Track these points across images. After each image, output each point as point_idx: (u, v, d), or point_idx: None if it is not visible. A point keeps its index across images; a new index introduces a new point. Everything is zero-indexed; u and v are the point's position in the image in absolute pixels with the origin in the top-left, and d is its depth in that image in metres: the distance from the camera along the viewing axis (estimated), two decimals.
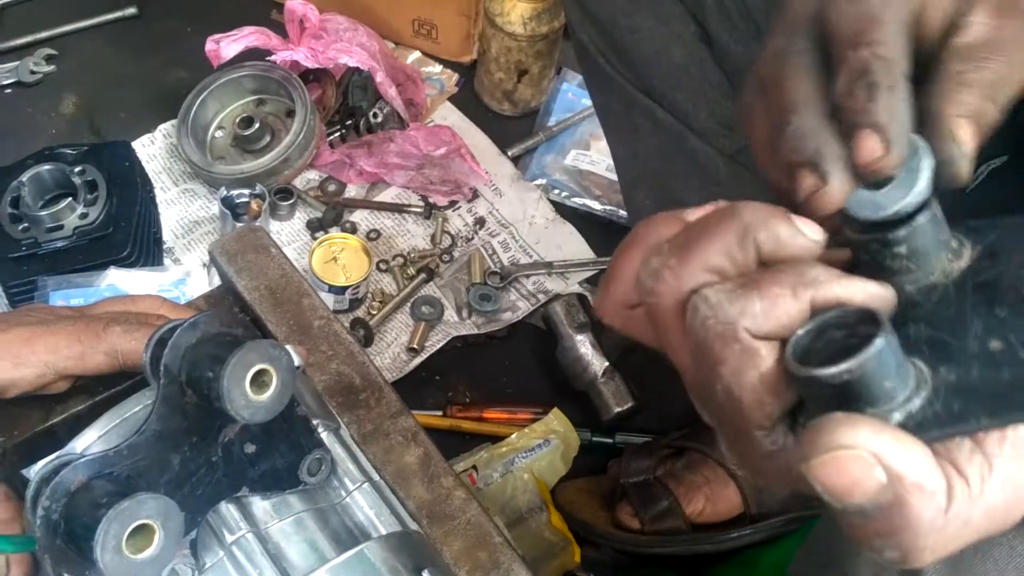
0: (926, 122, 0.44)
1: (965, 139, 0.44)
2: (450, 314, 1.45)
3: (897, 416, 0.39)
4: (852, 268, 0.44)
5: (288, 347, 0.65)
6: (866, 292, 0.40)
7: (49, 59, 1.70)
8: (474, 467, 1.24)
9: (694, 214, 0.44)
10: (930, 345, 0.41)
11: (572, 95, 1.72)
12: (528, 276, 1.50)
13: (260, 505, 0.63)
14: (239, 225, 1.42)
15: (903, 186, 0.43)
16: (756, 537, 1.11)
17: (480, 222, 1.55)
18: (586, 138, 1.67)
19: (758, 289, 0.40)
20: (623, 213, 1.46)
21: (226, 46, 1.48)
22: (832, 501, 0.37)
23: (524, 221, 1.56)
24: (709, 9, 1.08)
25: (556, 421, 1.32)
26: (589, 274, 1.52)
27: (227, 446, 0.61)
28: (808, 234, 0.41)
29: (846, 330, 0.39)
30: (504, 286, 1.48)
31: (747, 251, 0.41)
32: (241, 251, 0.82)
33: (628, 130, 1.25)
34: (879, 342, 0.37)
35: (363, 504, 0.67)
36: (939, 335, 0.42)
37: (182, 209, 1.52)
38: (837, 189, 0.43)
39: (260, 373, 0.56)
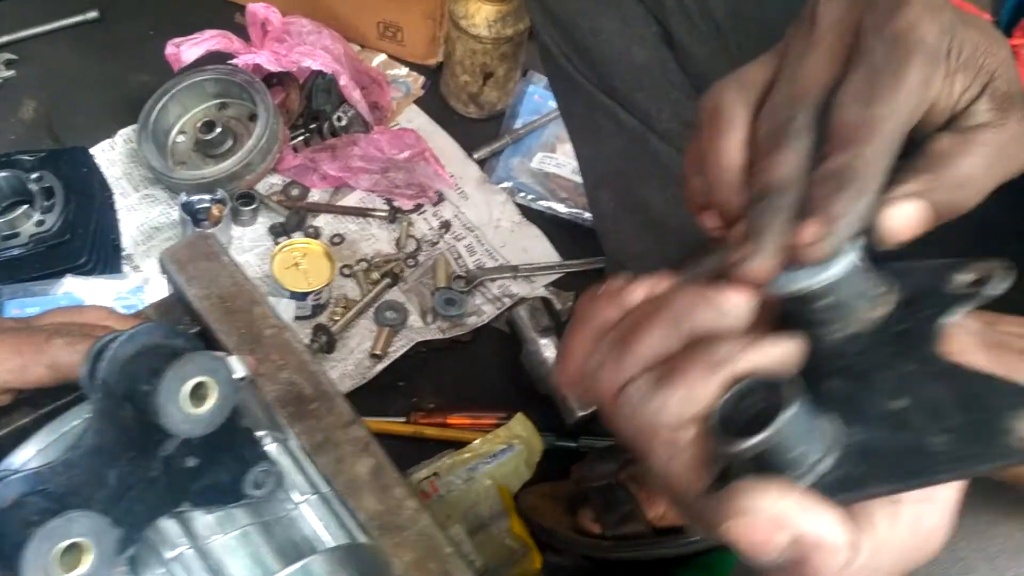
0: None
1: (895, 219, 0.46)
2: (414, 319, 1.44)
3: (808, 479, 0.42)
4: (783, 317, 0.46)
5: (234, 357, 0.64)
6: (775, 357, 0.43)
7: (9, 64, 1.67)
8: (436, 474, 1.23)
9: (634, 294, 0.48)
10: (846, 401, 0.43)
11: (538, 97, 1.72)
12: (494, 280, 1.49)
13: (202, 520, 0.62)
14: (199, 231, 1.40)
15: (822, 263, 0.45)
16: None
17: (446, 226, 1.54)
18: (552, 141, 1.66)
19: (675, 380, 0.43)
20: (588, 215, 1.45)
21: (187, 50, 1.46)
22: (747, 557, 0.41)
23: (490, 224, 1.56)
24: (670, 10, 1.08)
25: (520, 426, 1.31)
26: (555, 277, 1.51)
27: (167, 460, 0.60)
28: (735, 311, 0.45)
29: (764, 392, 0.42)
30: (469, 290, 1.47)
31: (677, 340, 0.45)
32: (192, 259, 0.81)
33: (591, 132, 1.25)
34: (784, 417, 0.40)
35: (311, 517, 0.66)
36: (854, 390, 0.44)
37: (142, 215, 1.50)
38: (767, 267, 0.45)
39: (199, 386, 0.55)
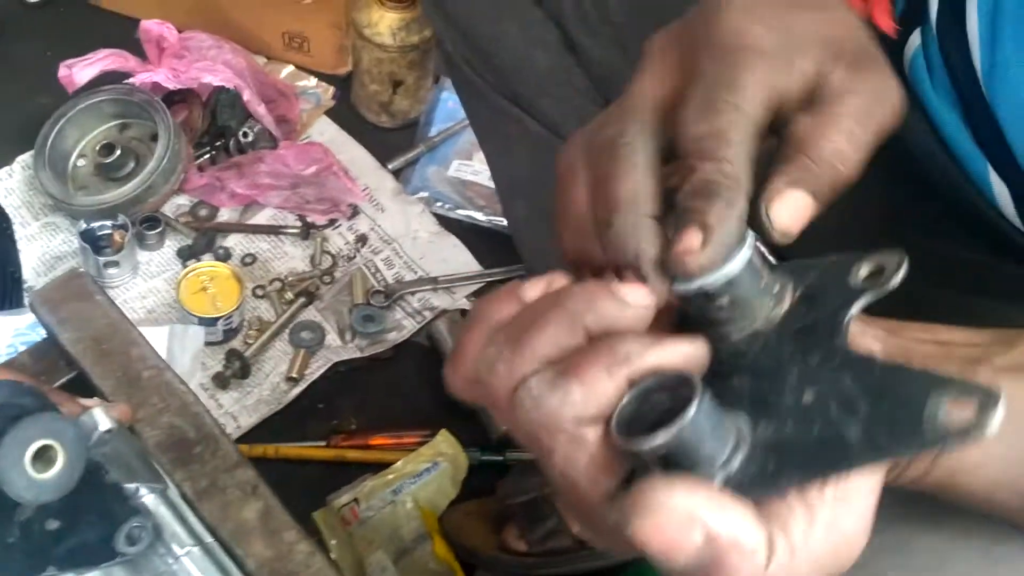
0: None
1: (778, 215, 0.45)
2: (332, 338, 1.40)
3: (718, 478, 0.40)
4: (683, 318, 0.46)
5: (98, 409, 0.60)
6: (679, 355, 0.42)
7: None
8: (356, 500, 1.20)
9: (531, 291, 0.46)
10: (752, 398, 0.42)
11: (452, 104, 1.68)
12: (414, 293, 1.46)
13: None
14: (102, 259, 1.35)
15: None
16: None
17: (362, 239, 1.51)
18: (468, 147, 1.63)
19: (575, 375, 0.41)
20: (505, 222, 1.43)
21: (79, 71, 1.41)
22: (657, 562, 0.39)
23: (408, 236, 1.52)
24: (569, 15, 1.06)
25: (444, 443, 1.28)
26: (476, 287, 1.49)
27: (25, 525, 0.56)
28: (635, 303, 0.43)
29: (669, 391, 0.40)
30: (388, 305, 1.43)
31: (576, 336, 0.43)
32: (64, 300, 0.77)
33: (500, 139, 1.23)
34: (689, 413, 0.39)
35: (193, 570, 0.63)
36: (760, 387, 0.43)
37: (43, 245, 1.44)
38: (657, 290, 0.44)
39: (44, 449, 0.51)
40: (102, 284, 1.26)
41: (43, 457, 0.51)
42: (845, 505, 0.41)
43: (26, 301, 1.37)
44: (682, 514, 0.38)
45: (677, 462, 0.40)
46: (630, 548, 0.40)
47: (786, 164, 0.47)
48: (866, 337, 0.46)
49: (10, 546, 0.56)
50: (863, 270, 0.44)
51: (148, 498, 0.63)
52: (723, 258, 0.43)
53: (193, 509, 0.67)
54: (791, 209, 0.46)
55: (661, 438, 0.39)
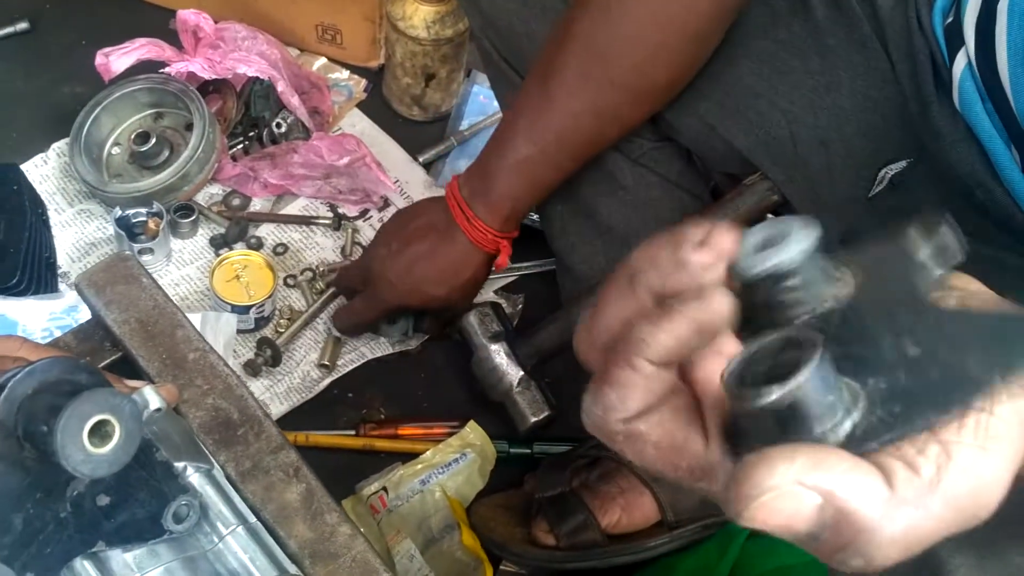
0: None
1: None
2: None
3: (846, 427, 0.39)
4: (746, 316, 0.43)
5: (148, 388, 0.61)
6: (696, 313, 0.41)
7: None
8: (385, 488, 1.20)
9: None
10: (850, 361, 0.40)
11: (484, 98, 1.69)
12: None
13: (120, 559, 0.59)
14: (137, 246, 1.36)
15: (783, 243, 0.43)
16: (673, 545, 1.09)
17: None
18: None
19: (605, 381, 0.42)
20: (535, 217, 1.43)
21: (116, 60, 1.42)
22: (782, 537, 0.38)
23: None
24: None
25: (472, 434, 1.29)
26: (505, 281, 1.49)
27: (77, 500, 0.57)
28: (696, 260, 0.42)
29: (779, 349, 0.39)
30: None
31: (641, 297, 0.43)
32: (110, 282, 0.78)
33: None
34: (812, 364, 0.37)
35: (237, 549, 0.64)
36: (854, 351, 0.41)
37: (78, 231, 1.45)
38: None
39: (101, 424, 0.52)
40: None
41: (99, 432, 0.52)
42: (984, 448, 0.39)
43: (61, 285, 1.38)
44: (789, 489, 0.37)
45: (800, 417, 0.38)
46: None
47: None
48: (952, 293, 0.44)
49: (62, 520, 0.57)
50: (924, 251, 0.43)
51: (194, 477, 0.64)
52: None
53: (237, 490, 0.68)
54: None
55: (784, 391, 0.37)
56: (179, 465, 0.63)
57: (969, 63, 0.82)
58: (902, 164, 0.94)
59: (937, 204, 0.92)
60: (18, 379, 0.52)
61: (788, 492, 0.37)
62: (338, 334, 1.37)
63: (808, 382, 0.37)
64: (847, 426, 0.39)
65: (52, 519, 0.56)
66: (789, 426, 0.38)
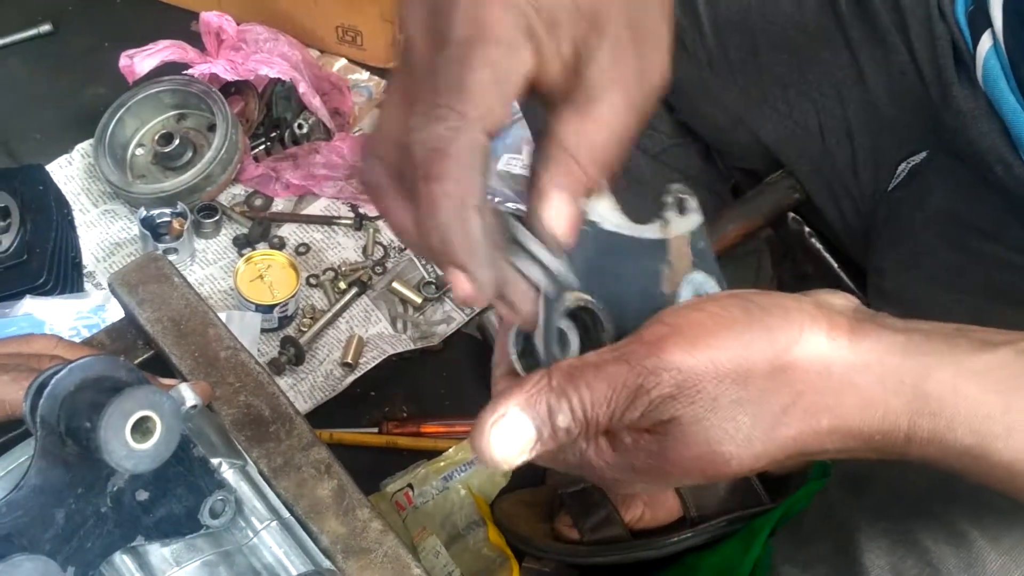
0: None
1: (553, 222, 0.46)
2: (384, 327, 1.42)
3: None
4: None
5: (184, 386, 0.62)
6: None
7: None
8: (410, 485, 1.21)
9: None
10: None
11: None
12: None
13: (159, 553, 0.60)
14: (161, 246, 1.38)
15: None
16: (697, 540, 1.09)
17: None
18: (518, 142, 1.64)
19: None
20: None
21: (140, 61, 1.43)
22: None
23: None
24: None
25: None
26: None
27: (117, 495, 0.58)
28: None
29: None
30: (439, 296, 1.45)
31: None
32: (142, 281, 0.79)
33: None
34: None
35: (272, 544, 0.65)
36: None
37: (102, 231, 1.47)
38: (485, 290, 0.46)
39: (143, 420, 0.53)
40: None
41: (141, 428, 0.52)
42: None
43: (87, 284, 1.40)
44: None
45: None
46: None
47: (550, 163, 0.46)
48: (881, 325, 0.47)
49: (103, 515, 0.58)
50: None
51: (229, 473, 0.65)
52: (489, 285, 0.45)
53: (270, 486, 0.68)
54: (561, 215, 0.46)
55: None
56: (215, 461, 0.63)
57: (995, 43, 0.83)
58: (921, 156, 0.95)
59: (951, 193, 0.92)
60: (61, 376, 0.53)
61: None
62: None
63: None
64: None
65: (93, 514, 0.57)
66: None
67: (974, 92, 0.87)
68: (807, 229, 1.12)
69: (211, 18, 1.48)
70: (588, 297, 0.49)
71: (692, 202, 0.54)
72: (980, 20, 0.85)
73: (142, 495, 0.59)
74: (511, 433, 0.46)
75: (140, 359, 0.77)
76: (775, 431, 0.46)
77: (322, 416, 1.33)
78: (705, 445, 0.45)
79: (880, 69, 0.96)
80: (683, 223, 0.54)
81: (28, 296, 1.27)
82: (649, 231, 0.52)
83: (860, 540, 0.67)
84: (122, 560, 0.58)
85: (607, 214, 0.50)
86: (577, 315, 0.49)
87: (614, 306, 0.50)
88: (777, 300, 0.47)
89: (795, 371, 0.45)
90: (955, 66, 0.89)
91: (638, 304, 0.50)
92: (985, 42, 0.84)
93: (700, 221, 0.54)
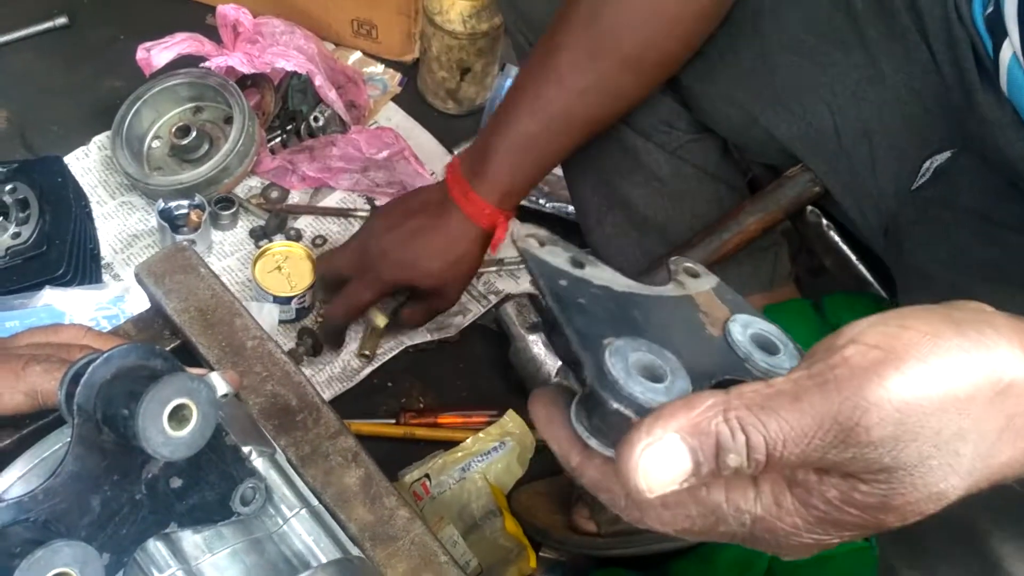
0: None
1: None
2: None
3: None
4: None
5: (215, 374, 0.63)
6: None
7: None
8: (427, 475, 1.22)
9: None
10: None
11: None
12: (478, 276, 1.48)
13: (191, 540, 0.61)
14: (179, 238, 1.39)
15: None
16: None
17: None
18: None
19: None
20: (571, 209, 1.44)
21: (157, 54, 1.44)
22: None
23: None
24: None
25: (511, 423, 1.30)
26: None
27: (151, 482, 0.58)
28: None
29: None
30: None
31: None
32: (169, 272, 0.80)
33: None
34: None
35: (301, 531, 0.65)
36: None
37: (120, 223, 1.48)
38: None
39: (179, 408, 0.53)
40: None
41: (178, 416, 0.53)
42: None
43: (104, 276, 1.41)
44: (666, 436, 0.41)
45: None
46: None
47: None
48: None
49: (138, 502, 0.58)
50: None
51: (258, 461, 0.66)
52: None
53: (298, 474, 0.69)
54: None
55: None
56: (245, 449, 0.64)
57: (1015, 54, 0.82)
58: (946, 155, 0.95)
59: (980, 193, 0.92)
60: (97, 365, 0.54)
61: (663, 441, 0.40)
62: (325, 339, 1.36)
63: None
64: None
65: (128, 501, 0.58)
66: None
67: (999, 100, 0.86)
68: (825, 221, 1.13)
69: (228, 11, 1.49)
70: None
71: (701, 268, 0.54)
72: (999, 26, 0.85)
73: (176, 482, 0.59)
74: (664, 461, 0.40)
75: (167, 349, 0.78)
76: (991, 458, 0.42)
77: (339, 407, 1.32)
78: (933, 486, 0.40)
79: (900, 67, 0.95)
80: (699, 284, 0.53)
81: (48, 287, 1.27)
82: (666, 291, 0.52)
83: (992, 543, 0.65)
84: (155, 546, 0.59)
85: (611, 277, 0.50)
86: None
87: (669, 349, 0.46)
88: (977, 314, 0.42)
89: (1012, 392, 0.41)
90: (977, 70, 0.88)
91: (694, 347, 0.47)
92: (1007, 50, 0.83)
93: (717, 280, 0.54)
